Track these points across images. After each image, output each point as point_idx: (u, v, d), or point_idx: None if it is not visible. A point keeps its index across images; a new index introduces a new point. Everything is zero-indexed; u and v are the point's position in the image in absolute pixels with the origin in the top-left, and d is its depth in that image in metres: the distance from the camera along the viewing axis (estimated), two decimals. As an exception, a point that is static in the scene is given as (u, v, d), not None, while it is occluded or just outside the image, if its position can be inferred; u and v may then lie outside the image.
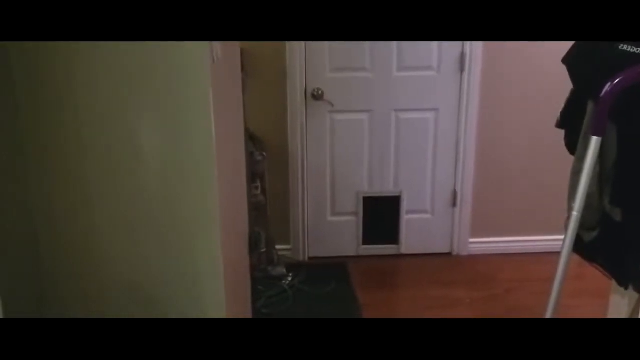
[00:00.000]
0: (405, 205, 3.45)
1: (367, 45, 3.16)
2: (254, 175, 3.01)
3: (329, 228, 3.44)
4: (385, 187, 3.42)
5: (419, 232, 3.51)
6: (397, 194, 3.43)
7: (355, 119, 3.29)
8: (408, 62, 3.23)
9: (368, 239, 3.47)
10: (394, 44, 3.18)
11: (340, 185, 3.39)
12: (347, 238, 3.47)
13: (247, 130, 2.49)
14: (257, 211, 3.10)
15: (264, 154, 3.18)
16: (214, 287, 1.61)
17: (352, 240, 3.47)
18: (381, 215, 3.46)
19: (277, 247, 3.33)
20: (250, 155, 2.87)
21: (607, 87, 1.63)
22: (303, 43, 3.14)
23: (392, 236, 3.50)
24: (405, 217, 3.47)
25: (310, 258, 3.45)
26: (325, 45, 3.14)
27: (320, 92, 3.19)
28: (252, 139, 3.06)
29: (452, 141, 3.39)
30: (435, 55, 3.24)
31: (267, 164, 3.21)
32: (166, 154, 1.52)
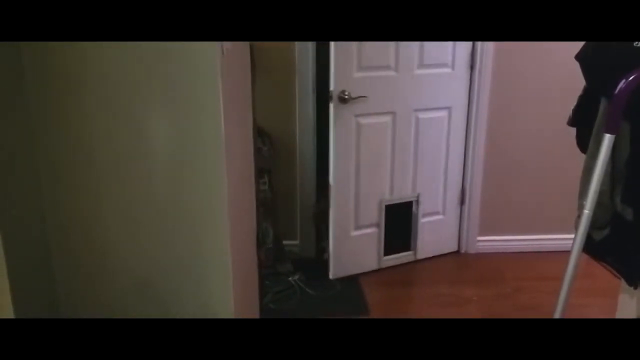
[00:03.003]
0: (421, 209, 3.35)
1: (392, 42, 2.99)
2: (261, 170, 3.00)
3: (353, 244, 3.20)
4: (404, 193, 3.27)
5: (432, 233, 3.43)
6: (414, 199, 3.32)
7: (380, 122, 3.09)
8: (427, 59, 3.10)
9: (388, 249, 3.30)
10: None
11: (364, 195, 3.15)
12: (369, 251, 3.26)
13: (255, 125, 2.49)
14: (264, 207, 3.09)
15: (272, 149, 3.17)
16: (221, 282, 1.61)
17: (374, 253, 3.27)
18: (400, 222, 3.31)
19: (285, 242, 3.33)
20: (258, 151, 2.86)
21: (621, 85, 1.61)
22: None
23: (409, 242, 3.38)
24: (421, 221, 3.36)
25: (334, 279, 3.17)
26: (353, 44, 2.91)
27: (347, 94, 2.92)
28: (260, 134, 3.05)
29: (461, 139, 3.36)
30: (449, 51, 3.15)
31: (274, 159, 3.21)
32: (175, 149, 1.52)
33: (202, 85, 1.47)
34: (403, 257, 3.37)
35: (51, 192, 1.53)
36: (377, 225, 3.24)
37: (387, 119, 3.11)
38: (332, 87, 2.90)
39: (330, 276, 3.15)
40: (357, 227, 3.19)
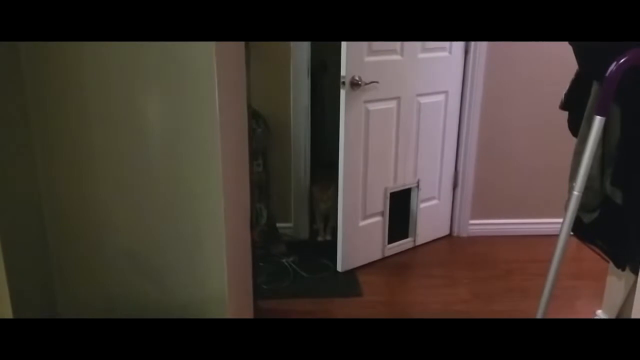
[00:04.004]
0: (420, 195, 3.33)
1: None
2: (256, 152, 3.01)
3: (360, 235, 3.12)
4: (407, 179, 3.23)
5: (428, 218, 3.43)
6: (415, 185, 3.29)
7: (387, 108, 3.01)
8: (429, 42, 3.06)
9: (391, 237, 3.26)
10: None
11: (371, 184, 3.07)
12: (375, 241, 3.21)
13: (249, 107, 2.49)
14: (259, 188, 3.11)
15: (267, 131, 3.18)
16: (216, 259, 1.62)
17: (379, 243, 3.22)
18: (401, 209, 3.28)
19: (278, 225, 3.34)
20: (252, 132, 2.87)
21: (612, 67, 1.63)
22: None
23: (407, 229, 3.36)
24: (420, 207, 3.35)
25: (343, 272, 3.10)
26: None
27: (359, 79, 2.80)
28: (254, 116, 3.05)
29: (456, 123, 3.38)
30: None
31: (269, 141, 3.21)
32: (171, 130, 1.53)
33: (197, 66, 1.47)
34: (403, 244, 3.35)
35: (45, 165, 1.53)
36: (382, 214, 3.19)
37: (393, 104, 3.04)
38: (343, 73, 2.77)
39: (339, 269, 3.08)
40: (365, 217, 3.12)
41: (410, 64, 3.03)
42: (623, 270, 2.07)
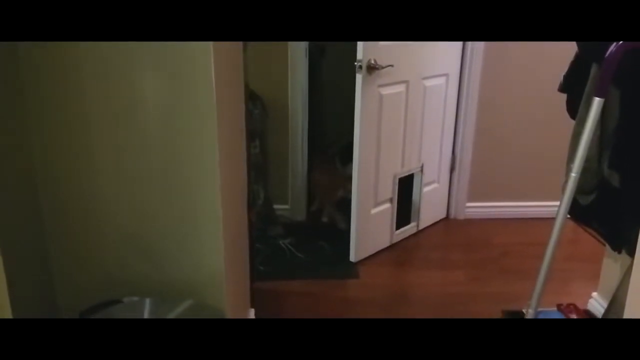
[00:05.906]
0: (424, 179, 3.31)
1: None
2: (253, 134, 3.00)
3: (372, 222, 3.06)
4: (412, 164, 3.20)
5: (429, 202, 3.41)
6: (419, 169, 3.27)
7: (397, 92, 2.94)
8: None
9: (399, 222, 3.22)
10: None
11: (382, 171, 3.01)
12: (384, 228, 3.16)
13: (247, 88, 2.47)
14: (256, 170, 3.10)
15: (264, 113, 3.16)
16: (213, 240, 1.63)
17: (387, 230, 3.17)
18: (406, 194, 3.26)
19: (276, 206, 3.35)
20: (249, 114, 2.85)
21: (612, 48, 1.62)
22: None
23: (411, 213, 3.33)
24: (423, 191, 3.33)
25: (357, 261, 3.03)
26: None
27: (374, 62, 2.71)
28: (251, 97, 3.03)
29: (454, 106, 3.37)
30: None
31: (266, 123, 3.20)
32: (167, 108, 1.52)
33: (194, 47, 1.46)
34: (408, 229, 3.32)
35: (41, 144, 1.53)
36: (391, 200, 3.14)
37: (402, 88, 2.97)
38: (359, 56, 2.66)
39: (353, 259, 3.01)
40: (376, 205, 3.06)
41: (417, 46, 2.99)
42: (619, 252, 2.08)
